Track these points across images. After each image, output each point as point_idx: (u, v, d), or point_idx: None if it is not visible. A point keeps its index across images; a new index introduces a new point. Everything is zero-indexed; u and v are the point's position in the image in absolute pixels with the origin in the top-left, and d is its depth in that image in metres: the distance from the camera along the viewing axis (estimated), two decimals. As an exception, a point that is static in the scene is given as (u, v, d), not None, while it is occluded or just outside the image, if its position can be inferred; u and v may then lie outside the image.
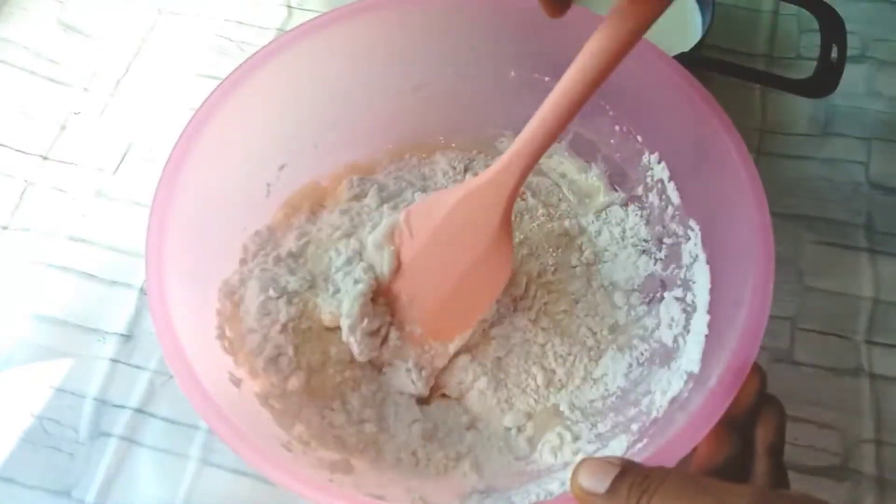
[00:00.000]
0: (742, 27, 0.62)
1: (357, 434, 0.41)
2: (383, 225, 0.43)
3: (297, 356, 0.42)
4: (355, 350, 0.42)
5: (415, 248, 0.42)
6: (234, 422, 0.34)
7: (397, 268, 0.43)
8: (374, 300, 0.43)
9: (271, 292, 0.43)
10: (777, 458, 0.34)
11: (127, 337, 0.50)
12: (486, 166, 0.51)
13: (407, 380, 0.43)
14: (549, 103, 0.36)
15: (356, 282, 0.43)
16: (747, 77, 0.55)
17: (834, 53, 0.52)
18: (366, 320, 0.42)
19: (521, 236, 0.49)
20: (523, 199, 0.51)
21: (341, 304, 0.43)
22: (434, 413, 0.44)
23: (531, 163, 0.37)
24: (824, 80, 0.52)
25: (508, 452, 0.43)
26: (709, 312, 0.40)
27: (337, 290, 0.44)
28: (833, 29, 0.52)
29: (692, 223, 0.44)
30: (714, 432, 0.34)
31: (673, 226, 0.46)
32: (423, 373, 0.44)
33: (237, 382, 0.39)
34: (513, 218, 0.43)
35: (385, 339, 0.44)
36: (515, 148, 0.37)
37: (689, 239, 0.44)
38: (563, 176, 0.52)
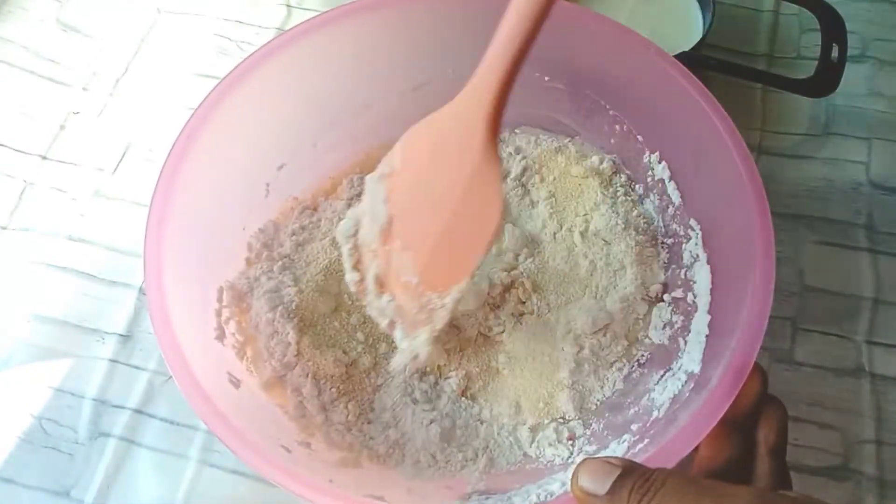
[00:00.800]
0: (743, 26, 0.62)
1: (385, 442, 0.42)
2: (382, 162, 0.38)
3: (316, 379, 0.43)
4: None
5: (403, 182, 0.37)
6: (233, 422, 0.34)
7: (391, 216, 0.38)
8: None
9: (278, 315, 0.44)
10: (779, 458, 0.34)
11: (126, 337, 0.50)
12: None
13: (407, 352, 0.38)
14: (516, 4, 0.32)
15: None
16: (748, 77, 0.55)
17: (834, 53, 0.52)
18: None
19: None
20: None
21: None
22: (449, 410, 0.44)
23: (508, 72, 0.33)
24: (825, 79, 0.52)
25: (518, 448, 0.43)
26: (710, 312, 0.40)
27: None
28: (833, 28, 0.52)
29: (693, 223, 0.44)
30: (716, 433, 0.34)
31: (674, 226, 0.46)
32: (421, 337, 0.38)
33: (237, 383, 0.39)
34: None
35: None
36: (487, 58, 0.33)
37: (690, 239, 0.44)
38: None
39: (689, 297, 0.42)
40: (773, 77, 0.55)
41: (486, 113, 0.34)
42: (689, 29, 0.56)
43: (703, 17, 0.57)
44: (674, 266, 0.45)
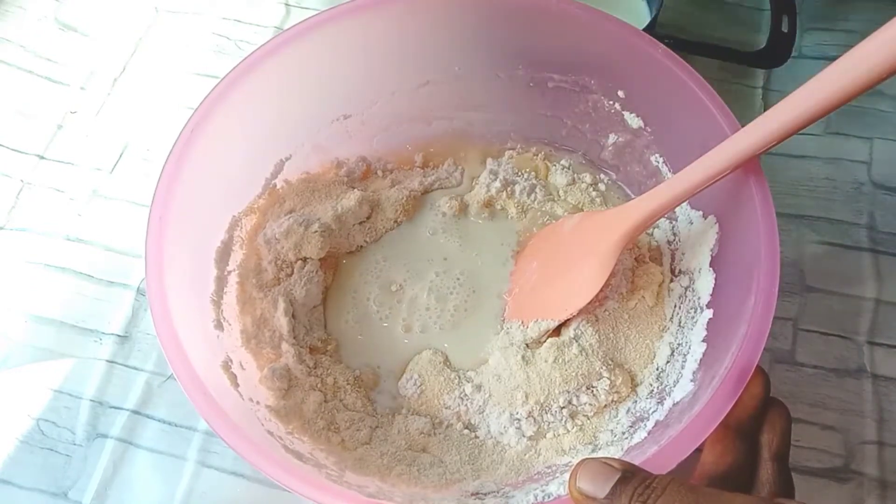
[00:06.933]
0: (699, 13, 0.62)
1: (379, 458, 0.41)
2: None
3: (323, 389, 0.43)
4: None
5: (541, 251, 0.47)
6: (234, 421, 0.34)
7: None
8: None
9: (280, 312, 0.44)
10: (782, 463, 0.33)
11: (124, 338, 0.50)
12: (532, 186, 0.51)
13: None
14: (686, 172, 0.38)
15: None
16: (702, 52, 0.55)
17: (785, 25, 0.54)
18: None
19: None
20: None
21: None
22: (437, 420, 0.44)
23: (653, 213, 0.40)
24: (777, 50, 0.54)
25: (511, 449, 0.42)
26: (712, 315, 0.39)
27: None
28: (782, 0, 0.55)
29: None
30: (719, 437, 0.33)
31: (676, 226, 0.46)
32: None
33: (235, 380, 0.39)
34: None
35: None
36: (655, 191, 0.40)
37: (692, 239, 0.44)
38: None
39: (693, 299, 0.42)
40: (726, 51, 0.56)
41: (620, 233, 0.41)
42: (632, 18, 0.56)
43: (650, 8, 0.56)
44: (678, 268, 0.45)
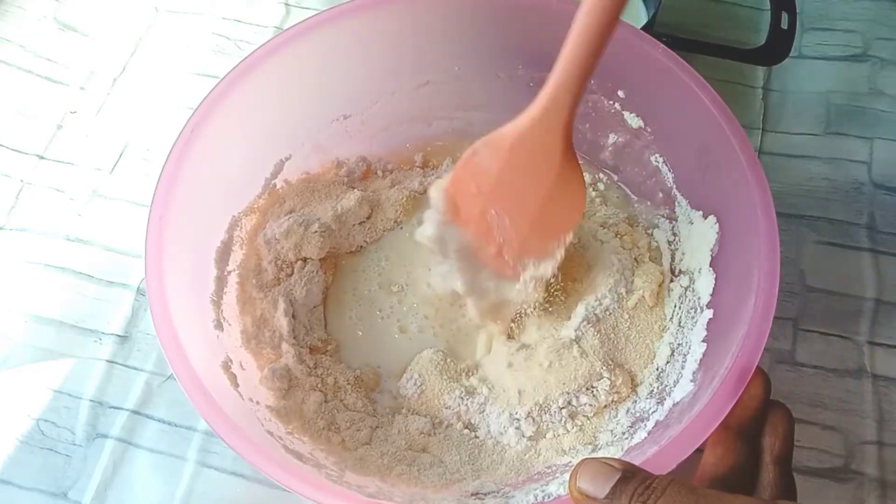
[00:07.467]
0: (699, 14, 0.62)
1: (379, 458, 0.41)
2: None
3: (323, 389, 0.43)
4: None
5: (491, 181, 0.41)
6: (234, 421, 0.34)
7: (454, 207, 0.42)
8: None
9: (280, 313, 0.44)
10: (784, 466, 0.33)
11: (124, 338, 0.50)
12: None
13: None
14: (580, 24, 0.35)
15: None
16: (700, 51, 0.55)
17: (784, 21, 0.54)
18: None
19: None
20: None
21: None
22: (437, 420, 0.44)
23: (578, 90, 0.36)
24: (776, 47, 0.53)
25: (511, 449, 0.42)
26: (712, 315, 0.39)
27: None
28: None
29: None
30: (720, 439, 0.33)
31: (677, 226, 0.46)
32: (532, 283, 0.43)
33: (235, 380, 0.39)
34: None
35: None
36: (558, 80, 0.36)
37: (692, 239, 0.44)
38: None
39: (693, 300, 0.42)
40: (725, 49, 0.56)
41: (563, 132, 0.38)
42: (631, 18, 0.56)
43: (648, 7, 0.56)
44: (677, 269, 0.45)
